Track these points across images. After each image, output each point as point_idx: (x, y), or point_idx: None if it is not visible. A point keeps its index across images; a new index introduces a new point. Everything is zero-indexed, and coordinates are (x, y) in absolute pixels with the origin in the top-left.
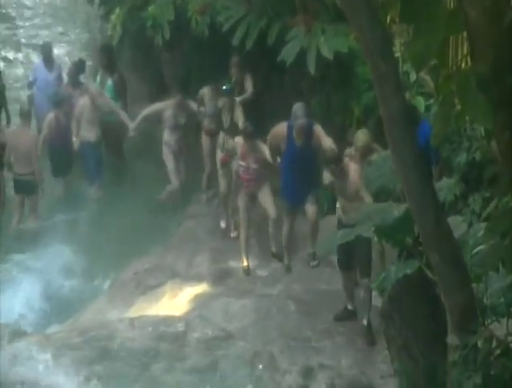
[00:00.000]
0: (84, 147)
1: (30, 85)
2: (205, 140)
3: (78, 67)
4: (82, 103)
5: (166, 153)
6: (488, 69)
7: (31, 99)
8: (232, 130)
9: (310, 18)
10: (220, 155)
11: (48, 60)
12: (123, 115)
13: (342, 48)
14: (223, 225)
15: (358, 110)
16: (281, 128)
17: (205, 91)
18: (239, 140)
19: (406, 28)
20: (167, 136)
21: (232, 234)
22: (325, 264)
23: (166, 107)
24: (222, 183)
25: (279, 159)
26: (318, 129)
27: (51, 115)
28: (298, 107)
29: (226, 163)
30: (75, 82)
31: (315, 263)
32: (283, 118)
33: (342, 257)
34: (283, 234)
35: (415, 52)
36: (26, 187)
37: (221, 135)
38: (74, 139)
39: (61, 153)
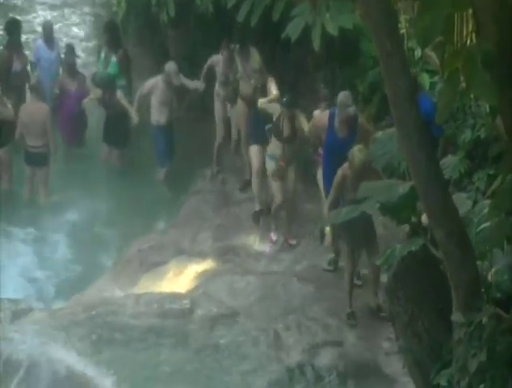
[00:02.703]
0: (154, 130)
1: (34, 66)
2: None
3: (72, 54)
4: (154, 82)
5: (216, 104)
6: (494, 46)
7: (38, 78)
8: (292, 139)
9: None
10: (270, 166)
11: (49, 39)
12: (192, 82)
13: (347, 24)
14: (274, 237)
15: (363, 87)
16: (322, 117)
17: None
18: (317, 112)
19: (411, 5)
20: (218, 88)
21: (292, 242)
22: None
23: (217, 61)
24: (278, 194)
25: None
26: (364, 123)
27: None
28: (345, 96)
29: (283, 169)
30: (73, 71)
31: None
32: (288, 95)
33: None
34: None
35: (420, 28)
36: (38, 160)
37: (275, 143)
38: (134, 115)
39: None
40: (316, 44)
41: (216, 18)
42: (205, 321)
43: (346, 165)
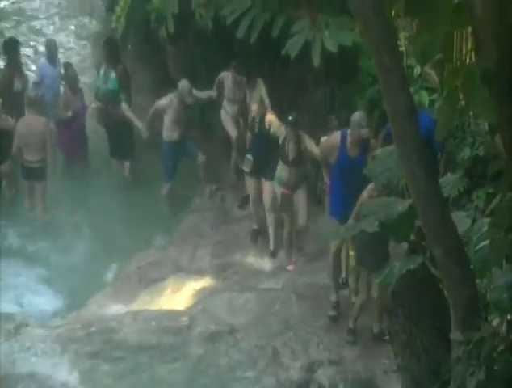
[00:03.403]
0: (165, 146)
1: (37, 86)
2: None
3: (73, 71)
4: (168, 101)
5: (225, 117)
6: (493, 64)
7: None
8: (299, 161)
9: (314, 11)
10: (279, 190)
11: (53, 56)
12: (204, 93)
13: (347, 41)
14: (290, 268)
15: (363, 104)
16: (334, 138)
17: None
18: (325, 138)
19: (411, 22)
20: (225, 104)
21: (289, 268)
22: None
23: (226, 76)
24: (287, 224)
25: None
26: (374, 145)
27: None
28: (361, 117)
29: (288, 197)
30: (75, 88)
31: None
32: (287, 112)
33: None
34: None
35: (420, 46)
36: (35, 174)
37: (282, 167)
38: (143, 130)
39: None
40: (316, 60)
41: (216, 35)
42: (203, 338)
43: (371, 186)
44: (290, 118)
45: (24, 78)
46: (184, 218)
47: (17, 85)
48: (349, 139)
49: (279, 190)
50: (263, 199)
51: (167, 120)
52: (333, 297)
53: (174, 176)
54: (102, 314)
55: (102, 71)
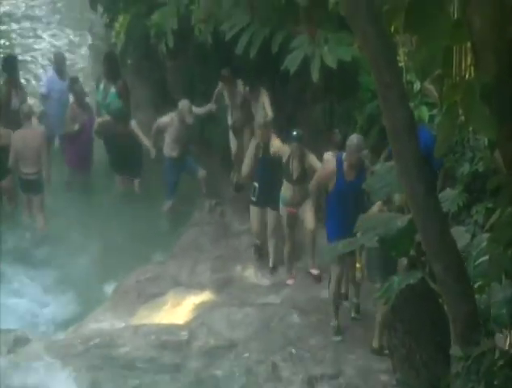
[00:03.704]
0: (166, 162)
1: (44, 99)
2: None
3: (80, 85)
4: (169, 120)
5: (230, 123)
6: (493, 79)
7: (43, 114)
8: (302, 179)
9: (313, 26)
10: (284, 209)
11: (61, 69)
12: (203, 108)
13: (346, 57)
14: (290, 282)
15: (362, 119)
16: (330, 165)
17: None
18: (328, 156)
19: (410, 38)
20: (230, 113)
21: (289, 282)
22: (327, 273)
23: (223, 88)
24: (289, 241)
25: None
26: (369, 167)
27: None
28: (359, 140)
29: (294, 217)
30: (82, 102)
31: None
32: (286, 127)
33: None
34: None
35: (419, 61)
36: (32, 187)
37: (286, 186)
38: (150, 147)
39: (116, 152)
40: (315, 76)
41: (215, 50)
42: (203, 353)
43: (379, 203)
44: (294, 133)
45: (22, 95)
46: (184, 233)
47: (15, 102)
48: (345, 163)
49: (285, 210)
50: (268, 224)
51: (167, 137)
52: (333, 323)
53: (175, 193)
54: (102, 328)
55: (101, 86)
